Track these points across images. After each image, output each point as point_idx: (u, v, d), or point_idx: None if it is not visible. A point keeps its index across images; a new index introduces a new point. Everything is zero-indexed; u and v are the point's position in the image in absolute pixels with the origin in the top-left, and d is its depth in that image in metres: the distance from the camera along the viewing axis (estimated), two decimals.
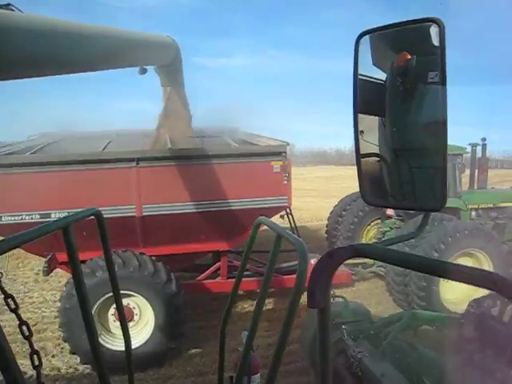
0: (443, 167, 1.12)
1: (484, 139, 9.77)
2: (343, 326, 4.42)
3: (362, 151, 1.29)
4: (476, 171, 9.78)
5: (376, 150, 1.30)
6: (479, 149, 9.67)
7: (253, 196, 6.28)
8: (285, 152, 6.38)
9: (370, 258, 0.96)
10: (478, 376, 4.70)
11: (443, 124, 1.06)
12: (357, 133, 1.23)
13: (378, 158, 1.30)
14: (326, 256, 0.97)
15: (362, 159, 1.29)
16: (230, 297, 1.94)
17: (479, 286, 0.80)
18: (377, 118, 1.28)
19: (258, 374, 2.32)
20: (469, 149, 9.43)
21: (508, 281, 0.74)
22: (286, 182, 6.35)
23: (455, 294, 7.15)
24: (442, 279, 7.12)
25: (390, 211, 8.73)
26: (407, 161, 1.27)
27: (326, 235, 10.52)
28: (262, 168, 6.32)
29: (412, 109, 1.19)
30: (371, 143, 1.30)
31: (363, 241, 9.56)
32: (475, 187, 9.78)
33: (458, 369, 4.75)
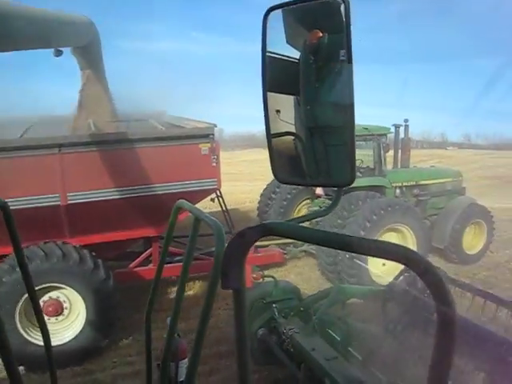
0: (351, 144, 1.14)
1: (406, 120, 10.25)
2: (274, 305, 4.53)
3: (279, 130, 1.28)
4: (399, 151, 10.26)
5: (292, 128, 1.29)
6: (402, 130, 10.15)
7: (181, 179, 6.18)
8: (212, 134, 6.30)
9: (281, 236, 0.96)
10: (401, 345, 5.00)
11: (350, 102, 1.07)
12: (266, 111, 1.21)
13: (293, 137, 1.30)
14: (237, 236, 0.95)
15: (277, 138, 1.28)
16: (153, 283, 1.90)
17: (392, 260, 0.83)
18: (292, 96, 1.27)
19: (186, 359, 2.29)
20: (393, 129, 9.86)
21: (418, 256, 0.77)
22: (214, 164, 6.29)
23: (383, 268, 7.45)
24: (368, 262, 7.47)
25: (319, 190, 8.94)
26: (321, 139, 1.28)
27: (257, 218, 10.64)
28: (190, 151, 6.21)
29: (324, 87, 1.19)
30: (287, 122, 1.29)
31: None
32: (399, 166, 10.25)
33: (383, 339, 5.03)
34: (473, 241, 9.59)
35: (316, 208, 9.18)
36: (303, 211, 9.76)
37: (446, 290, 0.74)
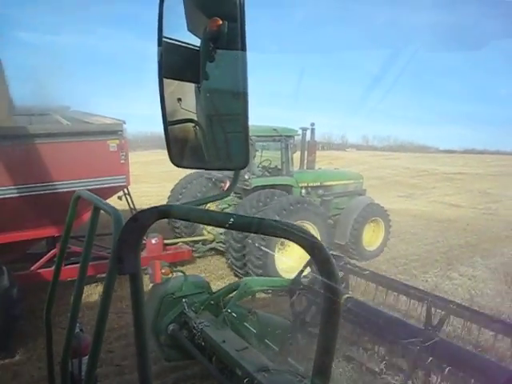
0: (246, 130, 1.18)
1: (313, 124, 10.80)
2: (184, 300, 4.55)
3: (180, 117, 1.31)
4: (306, 153, 10.75)
5: (194, 116, 1.32)
6: (308, 132, 10.65)
7: (89, 177, 5.98)
8: (121, 130, 6.17)
9: (176, 218, 0.98)
10: (309, 334, 5.27)
11: (244, 90, 1.10)
12: (162, 98, 1.22)
13: (193, 124, 1.33)
14: (130, 221, 0.95)
15: (177, 125, 1.31)
16: (51, 283, 1.86)
17: (281, 237, 0.89)
18: (193, 84, 1.28)
19: None
20: (300, 132, 10.32)
21: (307, 235, 0.83)
22: (123, 161, 6.17)
23: (289, 264, 7.73)
24: (276, 250, 7.74)
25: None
26: (219, 125, 1.31)
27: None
28: (98, 147, 6.04)
29: (222, 75, 1.20)
30: (188, 110, 1.32)
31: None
32: (305, 167, 10.73)
33: (292, 329, 5.27)
34: (372, 238, 10.22)
35: (225, 206, 9.30)
36: (213, 209, 9.84)
37: (333, 266, 0.79)
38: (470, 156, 46.80)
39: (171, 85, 1.25)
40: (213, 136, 1.31)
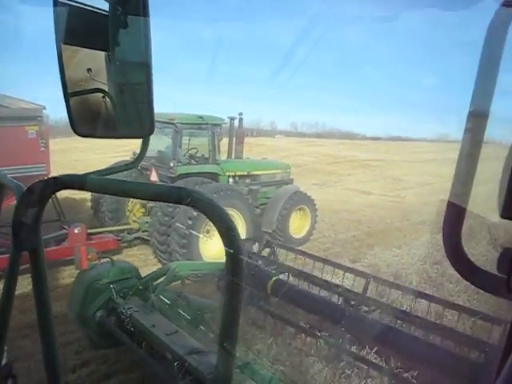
0: (150, 99, 1.16)
1: (241, 113, 10.89)
2: (111, 286, 4.46)
3: (88, 87, 1.25)
4: (234, 142, 10.83)
5: (100, 85, 1.25)
6: (236, 122, 10.74)
7: (5, 164, 5.65)
8: (41, 116, 5.87)
9: (76, 189, 0.95)
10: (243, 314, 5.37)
11: (147, 59, 1.08)
12: (61, 65, 1.14)
13: (101, 93, 1.27)
14: (26, 193, 0.88)
15: (85, 95, 1.25)
16: None
17: (168, 201, 0.90)
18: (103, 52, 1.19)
19: None
20: (227, 120, 10.36)
21: (200, 195, 0.84)
22: (43, 149, 5.89)
23: (214, 251, 7.78)
24: (201, 236, 7.75)
25: (153, 177, 8.93)
26: (126, 94, 1.26)
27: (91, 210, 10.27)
28: (15, 133, 5.70)
29: (127, 42, 1.12)
30: (96, 80, 1.25)
31: (130, 214, 9.68)
32: (233, 156, 10.82)
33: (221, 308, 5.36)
34: (299, 226, 10.46)
35: None
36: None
37: (235, 234, 0.81)
38: (394, 143, 47.14)
39: (78, 52, 1.18)
40: (119, 105, 1.27)
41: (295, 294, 5.39)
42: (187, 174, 8.55)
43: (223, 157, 10.14)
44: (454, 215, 0.80)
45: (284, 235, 9.95)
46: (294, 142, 42.70)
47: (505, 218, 0.69)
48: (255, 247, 6.46)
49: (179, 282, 5.07)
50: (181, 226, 7.55)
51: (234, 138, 10.88)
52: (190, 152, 9.28)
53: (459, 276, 0.79)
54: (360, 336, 4.84)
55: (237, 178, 9.92)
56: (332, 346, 4.89)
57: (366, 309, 4.94)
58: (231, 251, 0.79)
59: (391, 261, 9.15)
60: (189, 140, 9.22)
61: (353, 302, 4.92)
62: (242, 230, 8.36)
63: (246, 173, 10.14)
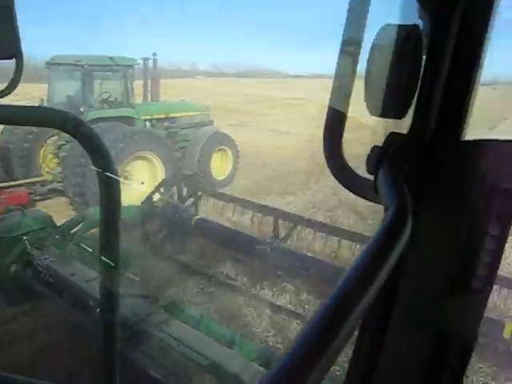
0: (11, 16, 1.05)
1: (155, 54, 10.45)
2: (24, 238, 4.29)
3: None
4: (149, 84, 10.43)
5: None
6: (151, 63, 10.30)
7: None
8: None
9: None
10: (160, 255, 5.45)
11: None
12: None
13: None
14: None
15: None
16: None
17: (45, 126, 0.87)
18: None
19: None
20: (140, 61, 9.90)
21: (70, 116, 0.84)
22: None
23: (134, 196, 7.65)
24: (121, 180, 7.55)
25: None
26: None
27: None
28: None
29: None
30: None
31: (43, 165, 9.14)
32: (149, 99, 10.46)
33: (146, 252, 5.41)
34: (221, 167, 10.45)
35: (62, 142, 8.59)
36: (51, 148, 9.09)
37: (99, 142, 0.83)
38: (318, 81, 46.72)
39: None
40: None
41: (217, 230, 5.57)
42: (102, 119, 8.14)
43: (139, 100, 9.78)
44: (334, 123, 0.81)
45: (206, 177, 9.89)
46: (214, 82, 41.53)
47: (382, 116, 0.71)
48: (174, 190, 6.47)
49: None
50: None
51: (150, 80, 10.48)
52: (102, 96, 8.81)
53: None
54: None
55: (154, 122, 9.66)
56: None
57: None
58: (105, 175, 0.84)
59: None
60: (100, 83, 8.72)
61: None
62: (161, 173, 8.24)
63: (163, 116, 9.89)
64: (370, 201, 0.75)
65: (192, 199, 6.41)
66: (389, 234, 0.55)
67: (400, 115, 0.70)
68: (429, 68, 0.68)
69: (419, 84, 0.69)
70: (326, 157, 0.82)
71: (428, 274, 0.70)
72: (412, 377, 0.71)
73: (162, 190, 6.44)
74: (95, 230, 4.89)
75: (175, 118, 10.14)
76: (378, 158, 0.70)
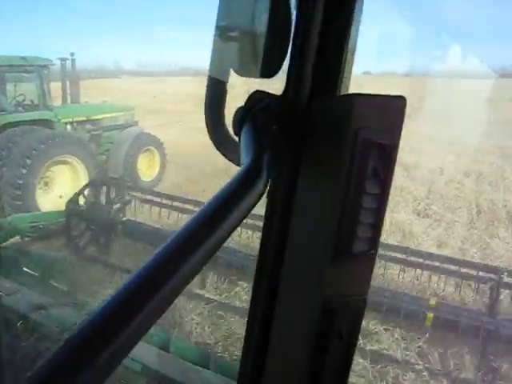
0: None
1: (72, 54, 10.07)
2: None
3: None
4: (68, 86, 10.04)
5: None
6: (69, 63, 9.93)
7: None
8: None
9: None
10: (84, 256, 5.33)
11: None
12: None
13: None
14: None
15: None
16: None
17: None
18: None
19: None
20: (56, 61, 9.51)
21: None
22: None
23: (53, 202, 7.41)
24: (38, 187, 7.26)
25: None
26: None
27: None
28: None
29: None
30: None
31: None
32: (69, 101, 10.08)
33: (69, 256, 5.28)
34: (148, 168, 10.22)
35: None
36: None
37: None
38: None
39: None
40: None
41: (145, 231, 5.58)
42: (16, 123, 7.74)
43: (58, 102, 9.40)
44: (215, 92, 0.79)
45: (133, 179, 9.53)
46: (139, 81, 40.39)
47: (263, 77, 0.69)
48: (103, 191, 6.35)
49: (19, 237, 4.78)
50: (14, 176, 6.93)
51: (68, 82, 10.09)
52: (16, 99, 8.38)
53: None
54: None
55: (75, 125, 9.28)
56: None
57: None
58: None
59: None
60: (14, 86, 8.30)
61: None
62: (85, 178, 7.97)
63: (85, 118, 9.50)
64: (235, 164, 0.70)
65: (118, 204, 6.32)
66: (236, 188, 0.55)
67: (270, 74, 0.68)
68: (301, 23, 0.65)
69: (291, 40, 0.66)
70: (208, 131, 0.79)
71: (311, 240, 0.67)
72: (303, 349, 0.67)
73: (85, 193, 6.29)
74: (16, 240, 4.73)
75: (98, 119, 9.79)
76: (241, 117, 0.68)
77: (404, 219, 8.11)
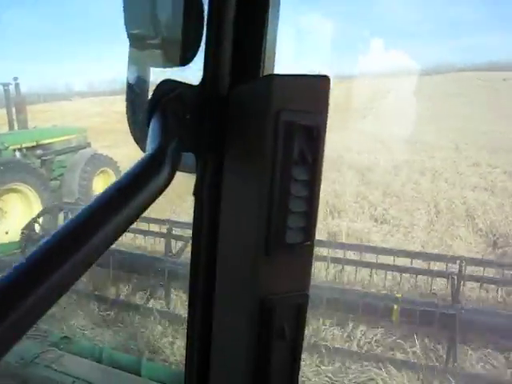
0: None
1: (16, 78, 9.75)
2: None
3: None
4: (13, 112, 9.72)
5: None
6: (12, 88, 9.61)
7: None
8: None
9: None
10: None
11: None
12: None
13: None
14: None
15: None
16: None
17: None
18: None
19: None
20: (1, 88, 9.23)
21: None
22: None
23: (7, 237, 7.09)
24: None
25: None
26: None
27: None
28: None
29: None
30: None
31: None
32: (16, 127, 9.75)
33: None
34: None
35: None
36: None
37: None
38: None
39: None
40: None
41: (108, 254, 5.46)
42: None
43: (4, 130, 9.07)
44: (135, 88, 0.75)
45: (90, 202, 9.42)
46: (89, 102, 39.70)
47: (183, 64, 0.66)
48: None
49: None
50: None
51: (14, 108, 9.76)
52: None
53: None
54: None
55: (25, 151, 8.93)
56: None
57: None
58: None
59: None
60: None
61: None
62: (37, 205, 7.69)
63: (34, 143, 9.19)
64: None
65: None
66: (137, 176, 0.53)
67: (184, 62, 0.66)
68: (214, 7, 0.63)
69: (205, 26, 0.63)
70: (129, 125, 0.76)
71: (242, 235, 0.63)
72: (246, 351, 0.63)
73: (40, 220, 6.07)
74: None
75: (49, 144, 9.51)
76: (150, 108, 0.65)
77: (361, 228, 7.88)
